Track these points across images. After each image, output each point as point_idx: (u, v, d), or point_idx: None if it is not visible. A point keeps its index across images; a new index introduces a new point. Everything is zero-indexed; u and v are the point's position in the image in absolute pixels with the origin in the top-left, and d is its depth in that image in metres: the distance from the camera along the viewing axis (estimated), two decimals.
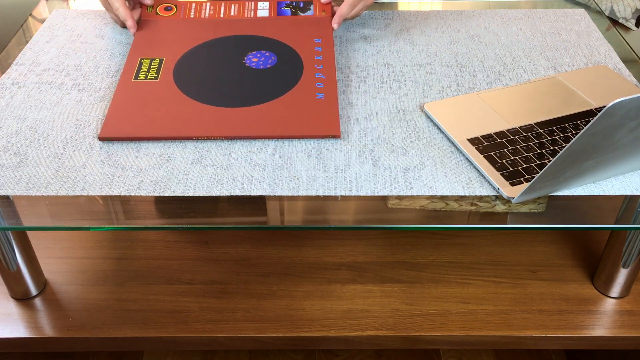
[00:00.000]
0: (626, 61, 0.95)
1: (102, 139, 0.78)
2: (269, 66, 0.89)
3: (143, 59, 0.91)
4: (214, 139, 0.79)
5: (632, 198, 0.71)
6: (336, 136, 0.78)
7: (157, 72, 0.88)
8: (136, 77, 0.87)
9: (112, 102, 0.84)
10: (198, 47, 0.93)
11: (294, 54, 0.91)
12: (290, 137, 0.79)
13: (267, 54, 0.90)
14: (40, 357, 1.11)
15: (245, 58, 0.90)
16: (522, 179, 0.71)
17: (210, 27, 0.98)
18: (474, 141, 0.77)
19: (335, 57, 0.92)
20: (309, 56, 0.91)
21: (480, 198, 0.71)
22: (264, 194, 0.71)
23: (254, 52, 0.91)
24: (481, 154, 0.75)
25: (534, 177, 0.67)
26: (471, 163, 0.75)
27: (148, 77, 0.87)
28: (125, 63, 0.91)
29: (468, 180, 0.73)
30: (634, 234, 0.82)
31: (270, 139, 0.79)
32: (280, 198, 0.72)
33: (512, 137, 0.77)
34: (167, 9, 0.93)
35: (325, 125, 0.79)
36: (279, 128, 0.79)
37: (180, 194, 0.71)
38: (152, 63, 0.90)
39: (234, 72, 0.88)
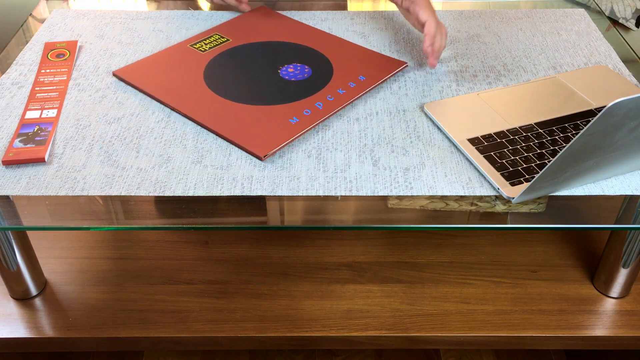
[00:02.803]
0: (626, 61, 0.95)
1: (115, 74, 0.89)
2: (301, 78, 0.89)
3: (217, 34, 0.99)
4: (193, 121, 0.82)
5: (632, 198, 0.71)
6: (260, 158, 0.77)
7: (212, 48, 0.95)
8: (194, 44, 0.96)
9: (153, 55, 0.94)
10: (259, 44, 0.97)
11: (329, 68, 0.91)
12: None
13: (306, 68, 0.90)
14: (40, 357, 1.11)
15: (281, 69, 0.91)
16: (522, 179, 0.71)
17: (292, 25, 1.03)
18: (474, 141, 0.77)
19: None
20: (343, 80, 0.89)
21: (480, 198, 0.71)
22: (264, 194, 0.71)
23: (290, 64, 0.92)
24: (481, 154, 0.75)
25: (534, 177, 0.67)
26: (471, 163, 0.75)
27: (201, 49, 0.95)
28: (200, 33, 1.00)
29: (468, 180, 0.73)
30: (634, 234, 0.82)
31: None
32: (280, 198, 0.72)
33: (512, 137, 0.77)
34: (59, 55, 0.94)
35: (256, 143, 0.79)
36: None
37: (180, 194, 0.71)
38: (220, 39, 0.97)
39: (267, 79, 0.89)
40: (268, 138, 0.78)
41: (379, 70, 0.90)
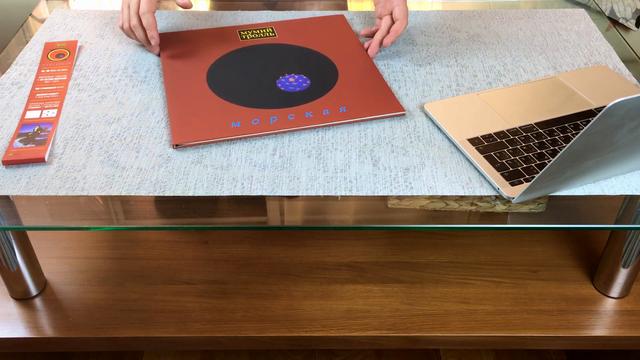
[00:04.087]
0: (626, 61, 0.95)
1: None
2: (299, 90, 0.87)
3: (271, 28, 1.00)
4: None
5: (632, 198, 0.71)
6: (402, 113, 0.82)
7: (252, 38, 0.98)
8: (242, 30, 1.00)
9: (200, 30, 1.00)
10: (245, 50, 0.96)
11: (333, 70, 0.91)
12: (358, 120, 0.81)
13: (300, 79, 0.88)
14: (40, 357, 1.11)
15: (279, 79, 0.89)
16: (522, 179, 0.71)
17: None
18: (474, 141, 0.77)
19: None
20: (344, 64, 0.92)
21: (480, 198, 0.71)
22: (264, 194, 0.71)
23: (288, 75, 0.89)
24: (481, 154, 0.75)
25: (534, 177, 0.67)
26: (471, 163, 0.75)
27: (243, 36, 0.98)
28: (259, 23, 1.03)
29: (468, 180, 0.73)
30: (634, 234, 0.82)
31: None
32: (280, 198, 0.72)
33: (512, 137, 0.77)
34: (59, 55, 0.95)
35: (388, 105, 0.83)
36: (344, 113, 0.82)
37: (180, 194, 0.71)
38: (269, 33, 0.99)
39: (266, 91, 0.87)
40: (194, 130, 0.79)
41: (368, 106, 0.83)
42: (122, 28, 0.94)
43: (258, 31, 0.98)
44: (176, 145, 0.77)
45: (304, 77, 0.89)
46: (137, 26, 0.91)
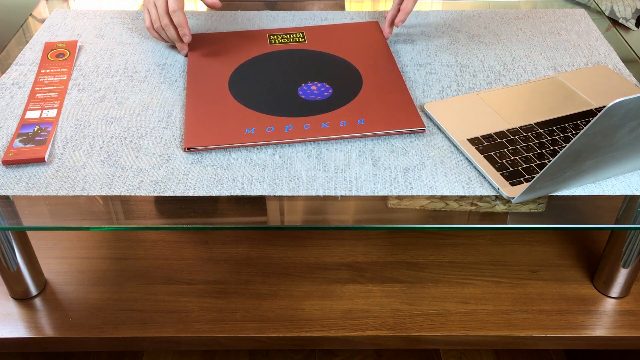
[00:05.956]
0: (626, 61, 0.95)
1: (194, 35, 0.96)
2: (320, 98, 0.84)
3: (301, 33, 0.99)
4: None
5: (632, 198, 0.71)
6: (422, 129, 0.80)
7: (281, 43, 0.96)
8: (272, 34, 0.99)
9: (229, 32, 0.99)
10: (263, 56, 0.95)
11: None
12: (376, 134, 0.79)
13: (322, 87, 0.86)
14: (40, 357, 1.11)
15: (300, 87, 0.86)
16: (522, 179, 0.71)
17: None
18: (474, 141, 0.77)
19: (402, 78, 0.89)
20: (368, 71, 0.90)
21: (480, 198, 0.71)
22: (264, 194, 0.71)
23: (311, 82, 0.87)
24: (481, 154, 0.75)
25: (534, 177, 0.67)
26: (471, 163, 0.75)
27: (272, 41, 0.97)
28: (290, 27, 1.01)
29: (468, 180, 0.73)
30: (634, 234, 0.82)
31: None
32: (280, 198, 0.72)
33: (512, 137, 0.77)
34: (58, 55, 0.94)
35: (407, 119, 0.80)
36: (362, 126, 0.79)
37: (180, 194, 0.71)
38: (299, 38, 0.98)
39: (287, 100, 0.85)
40: (207, 135, 0.78)
41: (387, 120, 0.80)
42: (149, 28, 0.93)
43: (288, 36, 0.97)
44: (187, 148, 0.76)
45: (327, 85, 0.86)
46: (169, 25, 0.90)
